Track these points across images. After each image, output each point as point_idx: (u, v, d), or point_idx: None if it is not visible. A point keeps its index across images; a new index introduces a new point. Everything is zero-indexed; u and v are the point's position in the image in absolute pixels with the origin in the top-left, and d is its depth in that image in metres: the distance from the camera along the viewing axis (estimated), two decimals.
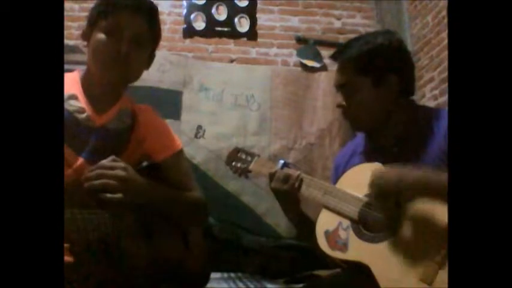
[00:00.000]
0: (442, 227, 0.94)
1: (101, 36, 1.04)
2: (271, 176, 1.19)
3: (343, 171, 1.21)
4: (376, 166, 1.11)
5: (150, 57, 1.15)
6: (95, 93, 1.07)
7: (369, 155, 1.19)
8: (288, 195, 1.19)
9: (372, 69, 1.14)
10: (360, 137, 1.29)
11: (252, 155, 1.33)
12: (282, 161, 1.23)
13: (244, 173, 1.33)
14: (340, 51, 1.19)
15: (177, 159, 1.16)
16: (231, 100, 3.02)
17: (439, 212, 0.94)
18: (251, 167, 1.31)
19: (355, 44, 1.17)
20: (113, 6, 1.04)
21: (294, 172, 1.19)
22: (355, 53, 1.15)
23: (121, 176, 0.95)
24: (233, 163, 1.35)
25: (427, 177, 0.98)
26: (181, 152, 1.17)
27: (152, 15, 1.09)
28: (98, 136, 1.04)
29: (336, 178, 1.23)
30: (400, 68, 1.16)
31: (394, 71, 1.14)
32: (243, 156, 1.34)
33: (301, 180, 1.17)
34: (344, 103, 1.17)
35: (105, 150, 1.01)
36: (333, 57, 1.21)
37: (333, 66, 1.25)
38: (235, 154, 1.36)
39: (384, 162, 1.11)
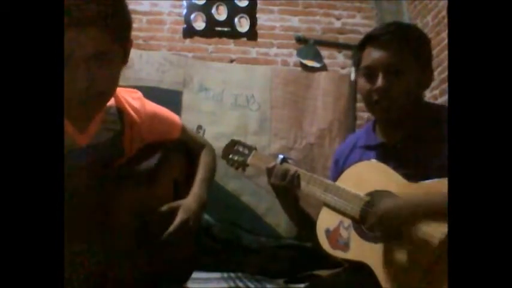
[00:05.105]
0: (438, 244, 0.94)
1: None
2: (270, 171, 1.17)
3: (343, 166, 1.19)
4: (376, 164, 1.11)
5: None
6: (72, 110, 0.89)
7: (371, 150, 1.17)
8: (287, 191, 1.17)
9: (421, 54, 1.12)
10: (361, 131, 1.28)
11: (250, 148, 1.30)
12: (281, 156, 1.20)
13: (241, 166, 1.30)
14: (385, 32, 1.11)
15: (185, 130, 1.20)
16: (231, 100, 3.02)
17: (437, 230, 0.95)
18: (249, 161, 1.28)
19: (397, 27, 1.13)
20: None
21: (292, 168, 1.16)
22: (410, 34, 1.11)
23: (185, 221, 1.03)
24: (230, 156, 1.32)
25: (426, 202, 0.98)
26: (182, 123, 1.21)
27: (122, 29, 0.90)
28: (87, 155, 0.96)
29: (335, 172, 1.22)
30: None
31: (429, 63, 1.15)
32: (240, 149, 1.31)
33: (299, 177, 1.16)
34: (386, 85, 1.07)
35: (100, 164, 0.97)
36: (372, 36, 1.12)
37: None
38: (232, 147, 1.33)
39: (387, 159, 1.10)
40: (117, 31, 0.89)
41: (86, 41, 0.84)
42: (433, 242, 0.95)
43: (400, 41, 1.09)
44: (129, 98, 1.07)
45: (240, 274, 2.36)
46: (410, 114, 1.11)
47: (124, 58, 0.95)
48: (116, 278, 0.93)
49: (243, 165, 1.29)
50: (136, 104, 1.08)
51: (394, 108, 1.09)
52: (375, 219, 0.99)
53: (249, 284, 2.20)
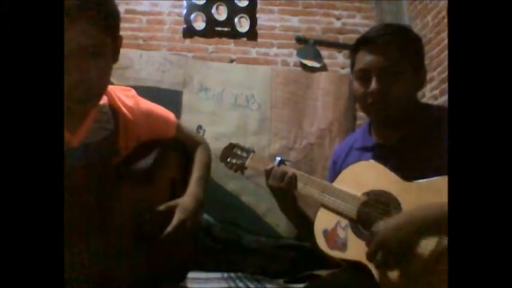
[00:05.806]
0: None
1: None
2: (268, 173, 1.18)
3: (341, 166, 1.20)
4: (373, 164, 1.11)
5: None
6: (66, 106, 0.83)
7: (367, 151, 1.18)
8: (285, 192, 1.18)
9: (414, 56, 1.13)
10: (358, 133, 1.28)
11: (248, 151, 1.31)
12: (278, 158, 1.21)
13: (240, 169, 1.31)
14: (378, 34, 1.11)
15: (180, 127, 1.19)
16: (231, 100, 3.02)
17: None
18: (247, 163, 1.29)
19: (389, 29, 1.13)
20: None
21: (290, 170, 1.17)
22: (402, 36, 1.12)
23: (182, 221, 1.02)
24: (228, 159, 1.32)
25: (424, 216, 0.97)
26: (176, 120, 1.19)
27: (111, 23, 0.91)
28: (80, 156, 0.95)
29: (334, 173, 1.22)
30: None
31: (423, 65, 1.16)
32: (239, 152, 1.32)
33: (296, 179, 1.16)
34: (380, 88, 1.08)
35: (95, 164, 0.97)
36: (365, 39, 1.13)
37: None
38: (230, 150, 1.34)
39: (384, 160, 1.10)
40: (107, 25, 0.89)
41: (78, 33, 0.84)
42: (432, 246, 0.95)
43: (393, 43, 1.10)
44: (123, 96, 1.06)
45: (240, 274, 2.36)
46: (405, 116, 1.12)
47: (115, 55, 0.96)
48: (114, 277, 0.93)
49: (241, 168, 1.30)
50: (130, 102, 1.06)
51: (388, 110, 1.10)
52: (375, 244, 0.98)
53: (249, 284, 2.19)
